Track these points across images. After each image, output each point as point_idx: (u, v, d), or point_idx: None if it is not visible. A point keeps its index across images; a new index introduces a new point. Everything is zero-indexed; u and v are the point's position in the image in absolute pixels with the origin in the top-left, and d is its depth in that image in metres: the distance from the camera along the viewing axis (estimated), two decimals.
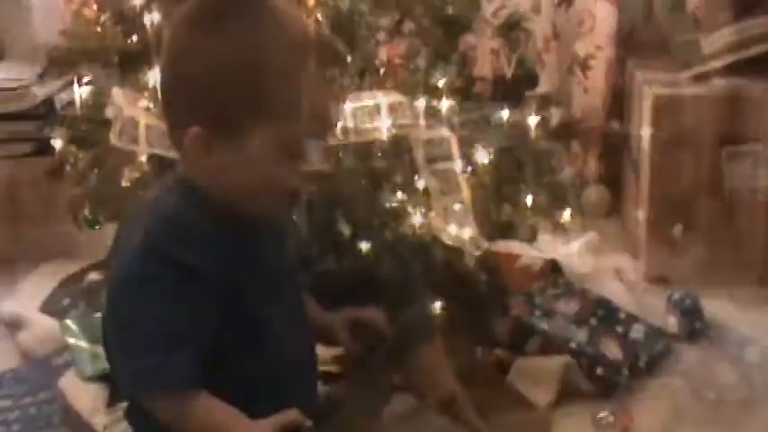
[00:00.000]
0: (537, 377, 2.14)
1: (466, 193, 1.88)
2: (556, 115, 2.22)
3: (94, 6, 2.28)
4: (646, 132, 2.63)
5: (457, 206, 1.90)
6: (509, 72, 2.05)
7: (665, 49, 2.87)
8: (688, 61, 2.71)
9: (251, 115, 1.10)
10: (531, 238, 2.32)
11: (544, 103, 2.21)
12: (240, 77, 1.10)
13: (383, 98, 1.88)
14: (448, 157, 1.89)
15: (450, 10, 2.03)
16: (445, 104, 2.00)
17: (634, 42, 3.18)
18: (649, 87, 2.63)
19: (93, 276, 2.75)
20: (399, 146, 1.91)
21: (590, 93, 3.14)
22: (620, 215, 3.14)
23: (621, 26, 3.14)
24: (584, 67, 3.14)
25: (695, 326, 2.39)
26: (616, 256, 2.86)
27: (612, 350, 2.22)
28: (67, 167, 2.36)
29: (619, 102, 3.16)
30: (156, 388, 1.12)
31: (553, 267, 2.58)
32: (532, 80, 2.06)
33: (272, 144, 1.11)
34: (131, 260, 1.14)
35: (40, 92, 3.09)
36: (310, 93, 1.13)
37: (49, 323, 2.56)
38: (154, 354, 1.10)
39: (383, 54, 1.98)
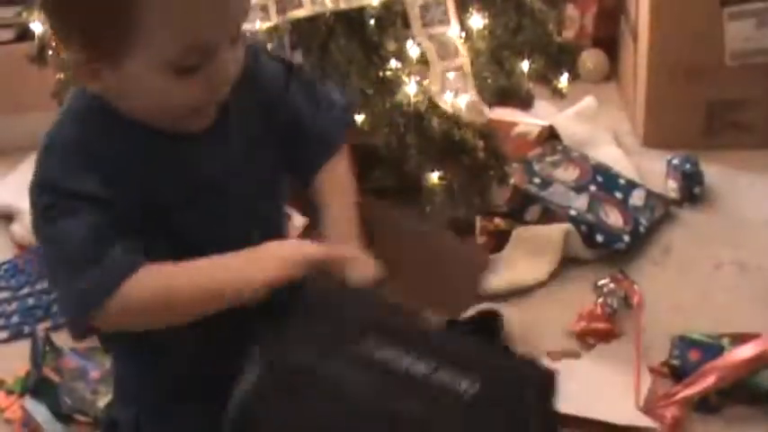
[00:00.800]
0: (537, 245, 2.12)
1: (464, 58, 1.82)
2: None
3: None
4: (642, 33, 2.56)
5: (454, 72, 1.84)
6: None
7: None
8: None
9: (118, 40, 0.97)
10: (528, 105, 2.27)
11: None
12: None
13: None
14: (444, 22, 1.82)
15: None
16: None
17: None
18: None
19: None
20: (392, 11, 1.84)
21: None
22: (618, 79, 3.08)
23: None
24: None
25: (695, 190, 2.36)
26: (614, 121, 2.81)
27: (612, 216, 2.20)
28: (49, 52, 2.28)
29: None
30: (106, 291, 1.00)
31: (550, 134, 2.54)
32: None
33: (153, 69, 0.98)
34: (30, 191, 1.06)
35: None
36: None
37: None
38: (82, 271, 1.00)
39: None
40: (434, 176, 2.00)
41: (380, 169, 2.02)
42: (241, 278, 1.03)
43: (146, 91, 1.01)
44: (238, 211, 1.15)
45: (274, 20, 1.79)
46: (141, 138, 1.07)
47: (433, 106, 1.90)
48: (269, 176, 1.20)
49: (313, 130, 1.22)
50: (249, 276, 1.03)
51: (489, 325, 1.83)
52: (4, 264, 2.42)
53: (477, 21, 1.96)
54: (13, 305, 2.28)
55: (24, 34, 2.93)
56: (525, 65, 2.13)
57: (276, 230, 1.24)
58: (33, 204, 1.05)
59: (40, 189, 1.04)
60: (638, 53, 2.68)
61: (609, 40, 3.13)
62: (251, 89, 1.15)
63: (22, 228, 2.53)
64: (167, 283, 1.02)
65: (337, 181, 1.23)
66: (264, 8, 1.78)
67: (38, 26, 2.30)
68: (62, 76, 2.29)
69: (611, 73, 3.11)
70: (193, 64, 0.99)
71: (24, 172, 2.88)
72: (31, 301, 2.28)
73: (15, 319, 2.24)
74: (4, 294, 2.32)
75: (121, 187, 1.04)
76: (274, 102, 1.19)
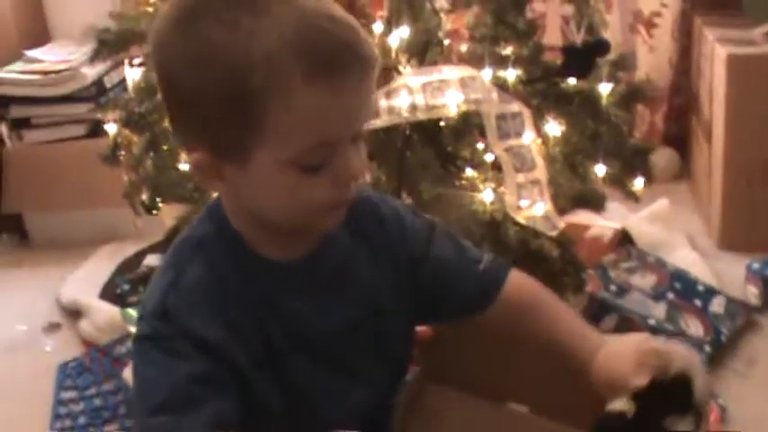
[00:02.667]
0: None
1: (540, 169, 1.79)
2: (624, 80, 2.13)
3: None
4: (719, 93, 2.51)
5: (530, 183, 1.82)
6: (579, 39, 1.95)
7: (734, 4, 2.75)
8: (760, 17, 2.58)
9: (246, 136, 0.95)
10: (601, 207, 2.24)
11: (615, 68, 2.10)
12: (228, 95, 0.94)
13: (452, 72, 1.79)
14: (520, 132, 1.80)
15: None
16: (512, 74, 1.91)
17: None
18: (722, 46, 2.51)
19: (151, 260, 2.71)
20: (468, 121, 1.83)
21: (655, 52, 3.03)
22: (690, 178, 3.03)
23: None
24: (649, 25, 3.02)
25: None
26: (687, 223, 2.76)
27: (692, 326, 2.13)
28: (122, 152, 2.31)
29: (686, 60, 3.04)
30: None
31: (623, 236, 2.49)
32: (604, 47, 1.95)
33: (278, 166, 0.96)
34: (143, 310, 1.07)
35: (90, 73, 3.05)
36: (328, 95, 0.92)
37: (109, 310, 2.53)
38: (163, 413, 0.99)
39: (447, 25, 1.88)
40: None
41: None
42: None
43: (272, 188, 1.00)
44: (356, 362, 1.14)
45: None
46: (264, 281, 1.06)
47: (509, 215, 1.87)
48: (396, 327, 1.18)
49: (471, 277, 1.21)
50: None
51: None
52: (70, 362, 2.41)
53: (554, 128, 1.94)
54: (80, 405, 2.26)
55: (96, 130, 2.99)
56: (600, 169, 2.10)
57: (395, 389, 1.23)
58: (144, 324, 1.04)
59: (161, 316, 1.03)
60: (712, 153, 2.64)
61: (680, 138, 3.09)
62: (387, 252, 1.16)
63: (91, 325, 2.53)
64: None
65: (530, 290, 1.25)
66: None
67: (111, 127, 2.32)
68: (133, 177, 2.31)
69: (683, 172, 3.06)
70: (317, 162, 0.97)
71: (92, 268, 2.90)
72: (97, 401, 2.26)
73: (82, 420, 2.21)
74: (71, 394, 2.30)
75: (241, 329, 1.04)
76: (417, 256, 1.18)
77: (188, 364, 1.00)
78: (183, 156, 2.01)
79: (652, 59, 3.03)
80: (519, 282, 1.25)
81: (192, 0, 0.98)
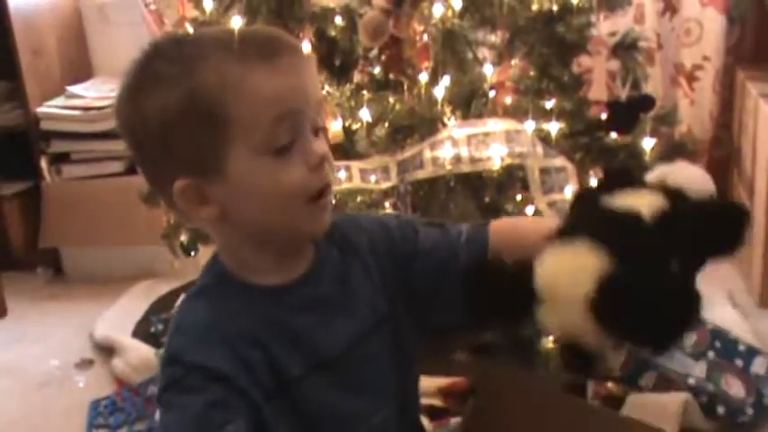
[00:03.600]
0: (653, 415, 2.02)
1: None
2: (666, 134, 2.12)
3: (189, 28, 2.23)
4: (762, 149, 2.49)
5: None
6: (624, 94, 1.94)
7: None
8: None
9: (218, 141, 1.04)
10: None
11: (659, 123, 2.10)
12: (189, 114, 1.03)
13: (497, 125, 1.79)
14: (564, 187, 1.79)
15: (562, 29, 1.93)
16: (555, 127, 1.90)
17: (743, 52, 3.03)
18: (766, 102, 2.49)
19: None
20: (512, 174, 1.82)
21: (697, 105, 3.01)
22: None
23: (730, 35, 2.99)
24: (691, 78, 3.01)
25: None
26: (727, 279, 2.72)
27: (734, 386, 2.09)
28: None
29: (727, 114, 3.02)
30: None
31: None
32: (649, 103, 1.94)
33: (252, 157, 1.04)
34: (161, 363, 1.10)
35: None
36: (275, 84, 1.03)
37: (143, 350, 2.53)
38: None
39: (493, 77, 1.88)
40: (549, 340, 1.94)
41: (493, 331, 1.97)
42: None
43: (255, 187, 1.05)
44: (366, 383, 1.14)
45: (395, 180, 1.78)
46: (265, 308, 1.09)
47: None
48: (403, 335, 1.19)
49: (459, 252, 1.19)
50: None
51: None
52: (103, 400, 2.41)
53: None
54: None
55: (135, 167, 3.00)
56: None
57: (411, 402, 1.24)
58: (162, 375, 1.07)
59: (170, 361, 1.06)
60: (754, 208, 2.61)
61: (719, 192, 3.04)
62: (378, 263, 1.18)
63: (123, 363, 2.53)
64: None
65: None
66: (385, 169, 1.78)
67: None
68: (172, 218, 2.32)
69: None
70: (285, 141, 1.04)
71: (126, 305, 2.91)
72: None
73: None
74: None
75: (248, 361, 1.06)
76: (408, 253, 1.20)
77: (202, 394, 1.03)
78: None
79: (693, 112, 3.01)
80: (499, 228, 1.24)
81: (139, 62, 1.09)
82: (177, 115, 1.03)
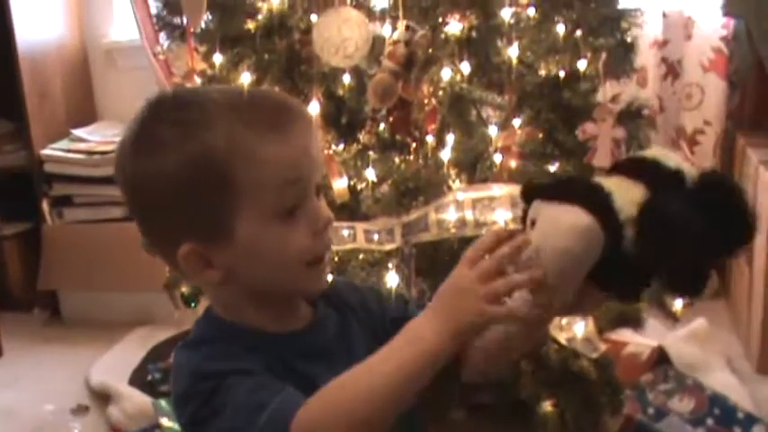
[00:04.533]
0: None
1: None
2: None
3: (197, 80, 2.25)
4: (762, 216, 2.50)
5: None
6: None
7: None
8: None
9: (225, 207, 1.04)
10: (640, 328, 2.22)
11: None
12: (195, 180, 1.03)
13: (502, 189, 1.80)
14: None
15: (568, 95, 1.95)
16: None
17: (743, 117, 3.06)
18: (765, 169, 2.51)
19: None
20: None
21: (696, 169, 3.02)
22: (728, 297, 3.00)
23: (731, 100, 3.02)
24: (692, 142, 3.04)
25: None
26: (725, 344, 2.72)
27: None
28: None
29: None
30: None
31: (660, 356, 2.46)
32: None
33: (260, 222, 1.05)
34: (181, 396, 1.06)
35: None
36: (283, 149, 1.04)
37: (139, 398, 2.52)
38: (258, 414, 1.00)
39: (498, 141, 1.90)
40: (548, 403, 1.93)
41: (491, 391, 1.97)
42: (433, 345, 0.98)
43: (261, 252, 1.05)
44: None
45: (399, 242, 1.79)
46: (277, 350, 1.08)
47: (551, 335, 1.86)
48: None
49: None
50: (441, 339, 0.97)
51: None
52: None
53: None
54: None
55: None
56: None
57: None
58: (190, 398, 1.04)
59: (193, 381, 1.04)
60: (753, 274, 2.62)
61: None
62: (368, 322, 1.20)
63: (120, 411, 2.52)
64: (342, 397, 0.99)
65: None
66: (390, 231, 1.79)
67: None
68: (173, 270, 2.32)
69: (720, 291, 3.04)
70: (292, 205, 1.05)
71: (123, 351, 2.90)
72: None
73: None
74: None
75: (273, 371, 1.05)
76: (397, 316, 1.20)
77: (245, 382, 1.01)
78: None
79: None
80: None
81: (143, 117, 1.09)
82: (182, 181, 1.03)
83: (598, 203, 0.99)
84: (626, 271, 1.00)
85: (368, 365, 1.00)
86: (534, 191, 1.06)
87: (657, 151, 1.08)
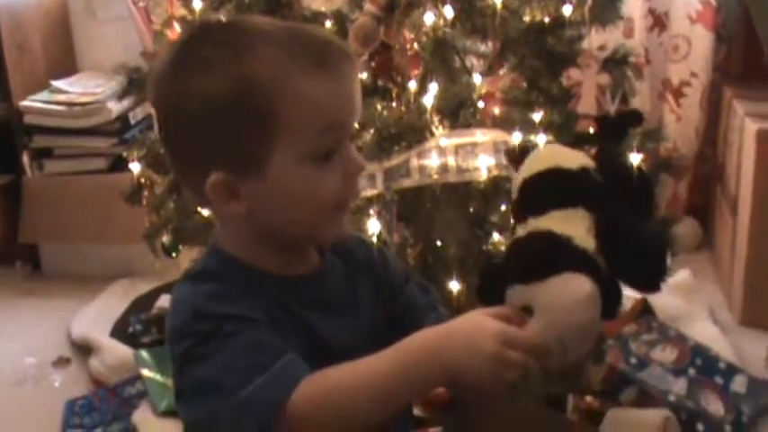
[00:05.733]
0: (633, 430, 2.01)
1: None
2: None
3: (177, 28, 2.22)
4: (747, 168, 2.50)
5: None
6: (612, 108, 1.93)
7: (765, 77, 2.74)
8: None
9: (263, 140, 1.02)
10: None
11: (646, 139, 2.09)
12: (237, 106, 1.01)
13: (485, 136, 1.78)
14: None
15: (553, 41, 1.92)
16: (542, 140, 1.89)
17: (731, 70, 3.04)
18: (752, 121, 2.49)
19: (165, 301, 2.68)
20: (499, 186, 1.81)
21: (683, 121, 3.02)
22: (711, 248, 3.00)
23: (718, 52, 3.00)
24: (678, 94, 3.01)
25: None
26: (708, 295, 2.72)
27: (713, 404, 2.09)
28: (144, 192, 2.30)
29: (712, 131, 3.03)
30: (277, 402, 0.96)
31: (644, 307, 2.46)
32: (637, 118, 1.93)
33: (294, 161, 1.03)
34: (176, 331, 1.05)
35: (115, 108, 3.05)
36: (323, 92, 1.02)
37: (121, 350, 2.51)
38: (255, 376, 0.98)
39: (482, 87, 1.87)
40: None
41: None
42: (426, 383, 0.99)
43: (291, 192, 1.04)
44: None
45: (380, 188, 1.77)
46: (277, 292, 1.08)
47: None
48: None
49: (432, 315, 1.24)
50: (437, 379, 0.99)
51: None
52: (79, 399, 2.38)
53: None
54: None
55: (118, 165, 2.98)
56: None
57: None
58: (178, 344, 1.03)
59: (192, 321, 1.02)
60: (737, 227, 2.61)
61: (702, 208, 3.07)
62: (371, 277, 1.20)
63: (101, 363, 2.50)
64: (332, 400, 0.98)
65: None
66: (371, 177, 1.76)
67: (135, 166, 2.32)
68: (154, 218, 2.30)
69: (704, 242, 3.04)
70: (328, 150, 1.04)
71: (104, 304, 2.88)
72: None
73: None
74: None
75: (274, 317, 1.05)
76: (396, 292, 1.23)
77: (245, 334, 1.00)
78: None
79: (679, 129, 3.01)
80: None
81: (186, 40, 1.08)
82: (223, 105, 1.01)
83: (578, 261, 1.00)
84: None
85: (368, 375, 0.99)
86: (500, 275, 1.06)
87: (548, 157, 1.11)
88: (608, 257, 1.03)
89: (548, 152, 1.16)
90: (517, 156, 1.18)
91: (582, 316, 0.99)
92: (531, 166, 1.13)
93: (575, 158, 1.11)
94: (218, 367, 0.99)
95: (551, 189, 1.08)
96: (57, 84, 3.21)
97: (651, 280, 1.08)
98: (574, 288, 0.99)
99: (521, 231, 1.09)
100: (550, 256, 1.02)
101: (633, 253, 1.04)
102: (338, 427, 0.99)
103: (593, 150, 1.26)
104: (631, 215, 1.08)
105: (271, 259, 1.10)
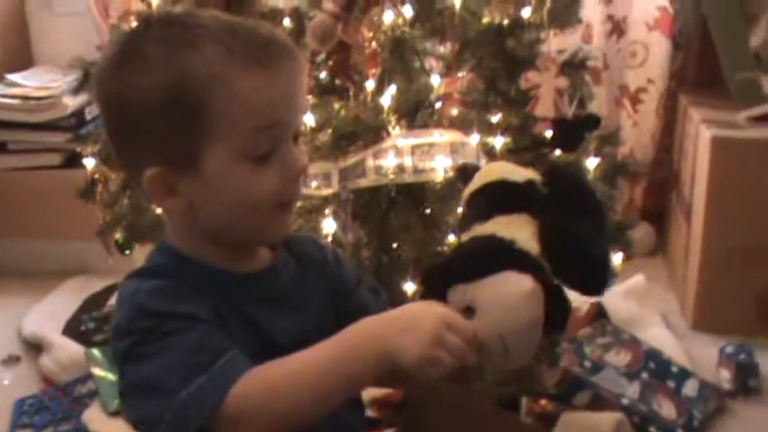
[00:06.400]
0: None
1: None
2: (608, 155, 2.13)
3: (133, 21, 2.19)
4: (701, 175, 2.52)
5: None
6: (570, 112, 1.94)
7: (720, 84, 2.77)
8: (747, 100, 2.59)
9: (197, 136, 1.02)
10: None
11: (602, 143, 2.10)
12: (172, 102, 1.01)
13: (442, 136, 1.78)
14: None
15: (512, 43, 1.93)
16: (499, 142, 1.90)
17: (687, 77, 3.06)
18: (707, 128, 2.51)
19: None
20: (455, 186, 1.81)
21: (639, 127, 3.04)
22: (665, 254, 3.03)
23: (675, 59, 3.03)
24: (635, 100, 3.04)
25: (749, 383, 2.27)
26: (661, 300, 2.75)
27: (665, 407, 2.11)
28: (98, 188, 2.27)
29: (668, 137, 3.05)
30: (212, 401, 0.95)
31: (598, 311, 2.47)
32: (594, 122, 1.95)
33: (231, 159, 1.02)
34: (119, 327, 1.03)
35: (70, 102, 3.00)
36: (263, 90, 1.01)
37: (72, 348, 2.47)
38: (196, 376, 0.97)
39: (440, 88, 1.87)
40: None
41: None
42: (363, 370, 0.98)
43: (227, 189, 1.03)
44: None
45: (336, 187, 1.76)
46: (224, 289, 1.07)
47: None
48: None
49: None
50: (373, 365, 0.97)
51: None
52: (28, 398, 2.34)
53: None
54: None
55: (72, 161, 2.94)
56: None
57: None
58: (120, 341, 1.02)
59: (134, 318, 1.01)
60: (691, 233, 2.63)
61: (657, 213, 3.09)
62: (324, 277, 1.20)
63: (52, 362, 2.46)
64: (273, 391, 0.97)
65: None
66: (327, 176, 1.75)
67: (89, 161, 2.29)
68: (108, 215, 2.27)
69: (658, 247, 3.07)
70: (267, 149, 1.03)
71: (56, 301, 2.84)
72: None
73: None
74: None
75: (220, 314, 1.04)
76: (348, 293, 1.23)
77: (186, 333, 0.99)
78: None
79: (635, 134, 3.04)
80: None
81: (128, 35, 1.10)
82: (159, 100, 1.01)
83: (521, 262, 1.01)
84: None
85: (306, 363, 0.98)
86: (443, 274, 1.06)
87: (495, 172, 1.11)
88: (552, 261, 1.03)
89: (495, 167, 1.16)
90: (468, 173, 1.18)
91: (523, 314, 0.98)
92: (477, 181, 1.14)
93: (522, 173, 1.11)
94: (159, 367, 0.98)
95: (497, 197, 1.08)
96: (11, 77, 3.16)
97: (594, 284, 1.09)
98: (514, 286, 0.98)
99: (465, 238, 1.09)
100: (493, 255, 1.02)
101: (576, 257, 1.04)
102: (279, 420, 0.98)
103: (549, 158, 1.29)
104: (581, 229, 1.08)
105: (218, 255, 1.09)
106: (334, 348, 0.98)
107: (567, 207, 1.07)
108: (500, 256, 1.01)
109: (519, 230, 1.03)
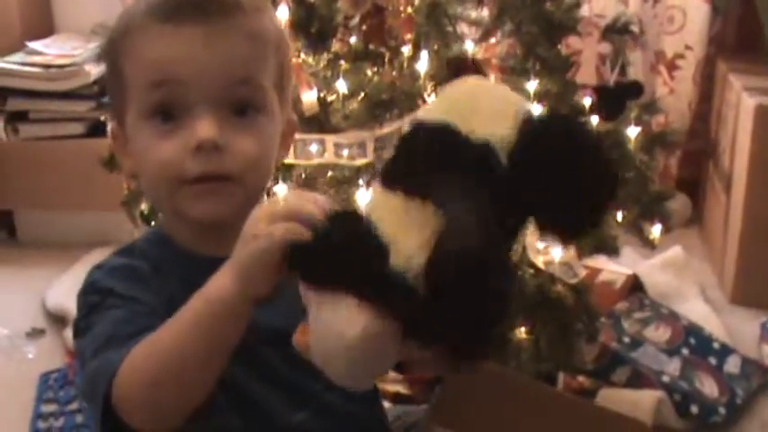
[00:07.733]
0: (625, 411, 1.95)
1: None
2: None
3: None
4: (743, 144, 2.44)
5: None
6: (612, 79, 1.87)
7: (761, 51, 2.68)
8: None
9: (120, 94, 1.04)
10: (616, 255, 2.15)
11: (643, 112, 2.03)
12: (107, 58, 1.08)
13: None
14: None
15: (551, 8, 1.85)
16: (537, 110, 1.83)
17: (725, 43, 2.97)
18: (750, 96, 2.43)
19: None
20: None
21: (676, 94, 2.96)
22: (701, 225, 2.95)
23: (713, 25, 2.94)
24: (671, 66, 2.95)
25: None
26: (698, 272, 2.68)
27: (707, 385, 2.04)
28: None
29: (705, 105, 2.97)
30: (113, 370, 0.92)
31: (634, 284, 2.41)
32: (637, 89, 1.88)
33: (136, 122, 1.02)
34: (77, 300, 1.06)
35: (93, 70, 2.95)
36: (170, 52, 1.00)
37: None
38: (99, 352, 0.95)
39: (478, 54, 1.80)
40: (522, 331, 1.87)
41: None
42: (220, 291, 0.88)
43: (137, 153, 1.03)
44: (296, 381, 1.06)
45: (371, 157, 1.70)
46: (184, 264, 1.05)
47: (526, 258, 1.79)
48: None
49: None
50: (226, 284, 0.87)
51: None
52: (53, 373, 2.30)
53: None
54: (60, 420, 2.15)
55: (96, 130, 2.90)
56: (620, 215, 2.03)
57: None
58: (79, 308, 1.04)
59: (86, 292, 1.04)
60: (731, 204, 2.56)
61: (692, 183, 3.02)
62: None
63: None
64: (153, 343, 0.92)
65: None
66: (361, 145, 1.70)
67: None
68: (133, 185, 2.22)
69: (694, 218, 2.99)
70: (160, 109, 0.99)
71: (81, 273, 2.78)
72: (79, 417, 2.15)
73: None
74: (51, 407, 2.19)
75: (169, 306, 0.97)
76: None
77: (124, 308, 0.98)
78: None
79: (671, 102, 2.95)
80: None
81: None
82: (103, 59, 1.09)
83: (373, 289, 0.76)
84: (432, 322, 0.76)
85: (171, 320, 0.91)
86: (297, 258, 0.82)
87: (455, 103, 0.83)
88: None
89: (467, 90, 0.85)
90: (453, 69, 0.90)
91: (351, 354, 0.77)
92: (430, 109, 0.86)
93: (492, 122, 0.79)
94: (91, 338, 0.98)
95: (427, 157, 0.79)
96: (33, 45, 3.11)
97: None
98: (339, 329, 0.77)
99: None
100: (337, 254, 0.79)
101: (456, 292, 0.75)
102: (170, 382, 0.90)
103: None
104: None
105: (186, 236, 1.07)
106: (200, 293, 0.90)
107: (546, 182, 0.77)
108: (353, 272, 0.77)
109: (410, 223, 0.76)
